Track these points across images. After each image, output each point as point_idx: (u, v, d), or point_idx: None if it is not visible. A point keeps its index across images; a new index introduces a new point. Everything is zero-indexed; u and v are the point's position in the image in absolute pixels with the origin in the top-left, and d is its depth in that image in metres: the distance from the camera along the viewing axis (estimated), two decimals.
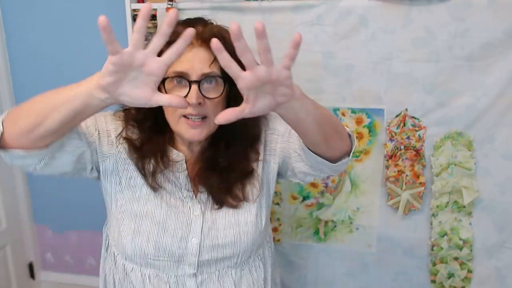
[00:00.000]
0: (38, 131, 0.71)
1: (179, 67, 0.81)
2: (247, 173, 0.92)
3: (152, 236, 0.86)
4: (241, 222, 0.90)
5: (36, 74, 1.68)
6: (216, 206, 0.90)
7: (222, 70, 0.80)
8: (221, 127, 0.89)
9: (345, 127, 0.85)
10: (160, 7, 1.34)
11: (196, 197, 0.90)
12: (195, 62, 0.81)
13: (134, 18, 1.40)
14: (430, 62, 1.26)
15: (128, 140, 0.89)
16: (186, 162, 0.91)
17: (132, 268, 0.90)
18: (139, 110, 0.89)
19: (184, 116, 0.82)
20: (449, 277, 1.39)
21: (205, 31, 0.83)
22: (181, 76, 0.80)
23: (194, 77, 0.80)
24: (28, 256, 1.90)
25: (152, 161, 0.89)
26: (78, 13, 1.57)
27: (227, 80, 0.82)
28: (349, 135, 0.84)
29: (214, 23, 0.87)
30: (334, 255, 1.48)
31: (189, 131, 0.82)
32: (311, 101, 0.73)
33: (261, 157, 0.95)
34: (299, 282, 1.53)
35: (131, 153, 0.89)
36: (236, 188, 0.91)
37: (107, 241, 0.98)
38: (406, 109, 1.32)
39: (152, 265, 0.88)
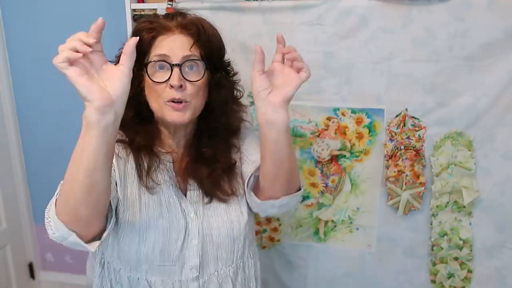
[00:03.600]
0: (98, 197, 0.73)
1: (160, 51, 0.85)
2: (231, 165, 0.95)
3: (157, 245, 0.87)
4: (234, 219, 0.92)
5: (36, 74, 1.69)
6: (206, 200, 0.92)
7: (202, 55, 0.87)
8: (205, 121, 0.94)
9: (299, 182, 0.94)
10: (160, 7, 1.34)
11: (186, 196, 0.92)
12: (175, 46, 0.85)
13: (134, 18, 1.40)
14: (430, 62, 1.26)
15: (119, 141, 0.89)
16: (173, 161, 0.93)
17: (138, 278, 0.90)
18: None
19: (168, 102, 0.84)
20: (449, 277, 1.39)
21: (184, 21, 0.88)
22: (163, 60, 0.83)
23: (175, 60, 0.83)
24: (28, 256, 1.90)
25: (147, 156, 0.90)
26: (78, 13, 1.57)
27: (208, 67, 0.88)
28: (300, 189, 0.94)
29: (194, 15, 0.92)
30: (334, 255, 1.48)
31: (172, 114, 0.84)
32: (291, 142, 0.86)
33: (240, 156, 0.99)
34: (299, 282, 1.53)
35: (127, 154, 0.90)
36: (224, 182, 0.94)
37: (102, 260, 0.97)
38: (406, 109, 1.32)
39: (158, 271, 0.89)
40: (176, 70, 0.82)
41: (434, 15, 1.22)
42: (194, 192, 0.93)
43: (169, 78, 0.82)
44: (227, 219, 0.92)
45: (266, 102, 0.80)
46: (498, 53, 1.21)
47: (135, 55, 0.69)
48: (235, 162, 0.97)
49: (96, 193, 0.71)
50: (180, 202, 0.90)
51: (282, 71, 0.82)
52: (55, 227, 0.73)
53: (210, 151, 0.93)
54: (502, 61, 1.21)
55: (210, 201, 0.92)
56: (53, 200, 0.76)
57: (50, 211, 0.74)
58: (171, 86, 0.82)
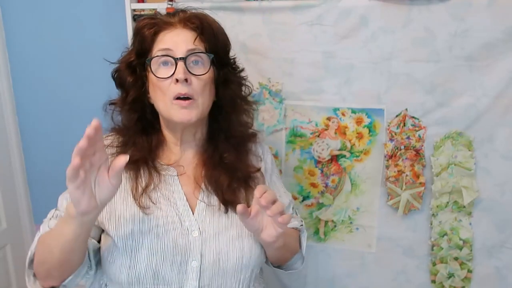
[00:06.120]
0: (70, 267, 0.79)
1: (164, 45, 0.83)
2: (249, 175, 0.90)
3: (150, 266, 0.80)
4: (246, 247, 0.86)
5: (36, 74, 1.69)
6: (223, 208, 0.86)
7: (206, 49, 0.85)
8: (216, 121, 0.91)
9: (301, 254, 1.02)
10: (160, 7, 1.34)
11: (193, 213, 0.86)
12: (179, 40, 0.83)
13: (134, 18, 1.40)
14: (430, 62, 1.26)
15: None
16: (178, 174, 0.88)
17: None
18: (128, 109, 0.89)
19: (175, 100, 0.82)
20: (449, 277, 1.39)
21: (186, 15, 0.86)
22: (167, 55, 0.82)
23: (179, 54, 0.81)
24: None
25: (146, 172, 0.86)
26: (78, 13, 1.57)
27: (214, 62, 0.86)
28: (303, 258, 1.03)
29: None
30: (334, 255, 1.48)
31: (179, 112, 0.82)
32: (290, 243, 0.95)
33: (265, 173, 0.96)
34: (299, 282, 1.53)
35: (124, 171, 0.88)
36: (240, 194, 0.88)
37: (100, 280, 0.93)
38: (406, 109, 1.32)
39: None
40: (180, 64, 0.80)
41: (434, 15, 1.22)
42: (205, 206, 0.86)
43: (173, 73, 0.80)
44: (239, 245, 0.85)
45: (262, 239, 0.81)
46: (498, 53, 1.21)
47: (122, 172, 0.68)
48: (257, 170, 0.92)
49: (70, 264, 0.78)
50: (182, 220, 0.84)
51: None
52: (33, 283, 0.82)
53: (230, 157, 0.89)
54: (502, 61, 1.21)
55: (226, 211, 0.86)
56: (32, 248, 0.81)
57: (30, 266, 0.81)
58: (176, 81, 0.80)
